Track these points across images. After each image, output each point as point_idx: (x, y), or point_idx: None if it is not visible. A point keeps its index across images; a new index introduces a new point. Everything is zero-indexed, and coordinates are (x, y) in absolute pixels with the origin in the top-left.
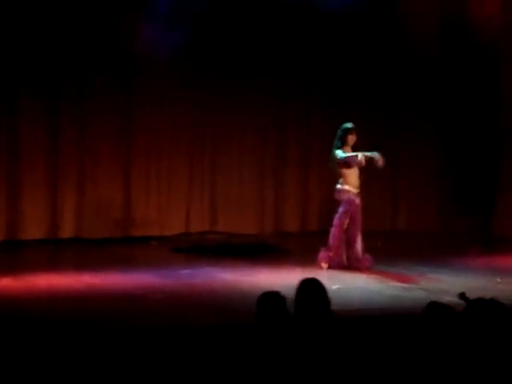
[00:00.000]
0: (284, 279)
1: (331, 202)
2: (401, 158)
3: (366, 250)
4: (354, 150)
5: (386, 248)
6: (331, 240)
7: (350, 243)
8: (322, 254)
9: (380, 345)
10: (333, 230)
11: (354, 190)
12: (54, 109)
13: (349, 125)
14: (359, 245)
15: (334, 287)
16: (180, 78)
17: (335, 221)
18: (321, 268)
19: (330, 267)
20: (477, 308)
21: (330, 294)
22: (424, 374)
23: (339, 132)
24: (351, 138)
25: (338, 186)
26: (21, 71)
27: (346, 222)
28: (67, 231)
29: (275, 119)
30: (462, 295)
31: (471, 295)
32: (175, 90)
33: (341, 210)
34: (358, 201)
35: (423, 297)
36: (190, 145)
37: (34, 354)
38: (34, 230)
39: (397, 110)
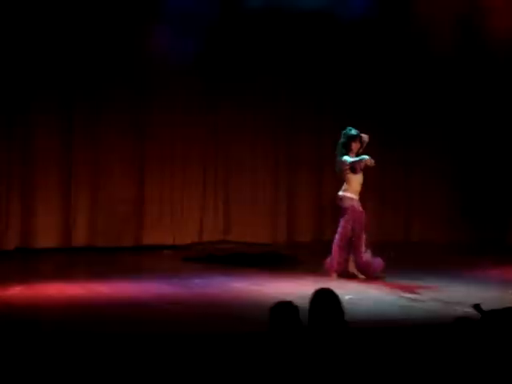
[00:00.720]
0: (296, 289)
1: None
2: (414, 169)
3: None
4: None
5: (399, 259)
6: (333, 248)
7: (355, 250)
8: (328, 262)
9: (392, 355)
10: (336, 238)
11: (355, 197)
12: (68, 119)
13: (353, 132)
14: (364, 249)
15: (347, 297)
16: (193, 88)
17: (339, 229)
18: (331, 278)
19: (339, 275)
20: (491, 319)
21: (343, 304)
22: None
23: (343, 139)
24: (355, 146)
25: (340, 193)
26: (34, 82)
27: (350, 229)
28: (80, 240)
29: (288, 127)
30: (476, 306)
31: (485, 307)
32: (188, 99)
33: (344, 218)
34: (360, 208)
35: (436, 308)
36: (203, 154)
37: (45, 362)
38: (46, 238)
39: (409, 121)
